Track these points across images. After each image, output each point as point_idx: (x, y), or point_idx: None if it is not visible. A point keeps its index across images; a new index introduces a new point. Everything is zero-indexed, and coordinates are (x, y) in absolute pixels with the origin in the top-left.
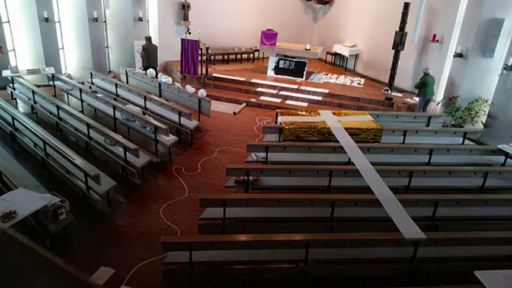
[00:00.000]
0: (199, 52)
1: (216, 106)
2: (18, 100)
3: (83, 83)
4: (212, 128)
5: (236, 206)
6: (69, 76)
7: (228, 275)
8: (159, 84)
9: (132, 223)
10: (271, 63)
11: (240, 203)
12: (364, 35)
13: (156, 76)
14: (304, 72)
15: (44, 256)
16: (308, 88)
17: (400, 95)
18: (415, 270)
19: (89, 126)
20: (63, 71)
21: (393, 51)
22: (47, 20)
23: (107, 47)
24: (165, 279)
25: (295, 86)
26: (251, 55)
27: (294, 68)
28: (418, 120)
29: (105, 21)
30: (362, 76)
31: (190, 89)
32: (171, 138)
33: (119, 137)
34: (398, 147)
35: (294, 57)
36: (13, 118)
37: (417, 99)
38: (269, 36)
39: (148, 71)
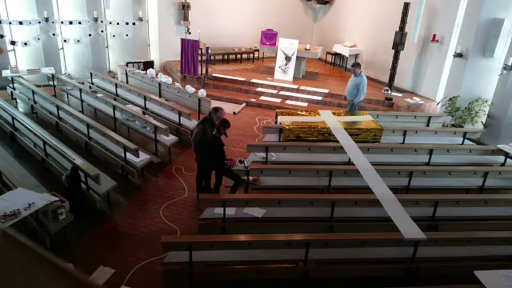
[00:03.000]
0: (199, 52)
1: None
2: (18, 100)
3: (82, 83)
4: None
5: (236, 206)
6: (69, 76)
7: (228, 275)
8: (159, 84)
9: (132, 223)
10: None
11: (240, 203)
12: (364, 35)
13: None
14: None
15: (44, 256)
16: (308, 88)
17: (400, 95)
18: (415, 270)
19: (88, 126)
20: (63, 71)
21: (393, 51)
22: (47, 20)
23: (107, 47)
24: (165, 279)
25: (295, 86)
26: (251, 55)
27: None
28: (418, 120)
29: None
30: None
31: (190, 89)
32: (171, 138)
33: (118, 137)
34: (398, 147)
35: None
36: (13, 118)
37: (417, 99)
38: (269, 36)
39: (148, 70)
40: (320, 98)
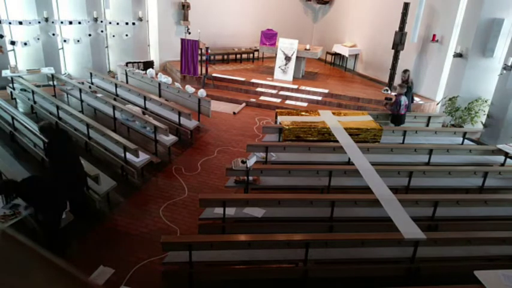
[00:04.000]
0: (199, 52)
1: (216, 106)
2: (18, 100)
3: (82, 83)
4: (212, 128)
5: (236, 206)
6: (69, 76)
7: (228, 275)
8: (159, 84)
9: (132, 223)
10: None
11: (240, 203)
12: (364, 35)
13: None
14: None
15: (44, 256)
16: (308, 88)
17: None
18: (415, 270)
19: (88, 126)
20: (62, 71)
21: (393, 51)
22: (46, 20)
23: (107, 47)
24: (165, 279)
25: (295, 86)
26: (251, 55)
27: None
28: (418, 120)
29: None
30: (362, 76)
31: (190, 89)
32: (170, 138)
33: (118, 137)
34: (398, 147)
35: None
36: (13, 118)
37: (417, 99)
38: (269, 36)
39: (148, 70)
40: (320, 98)
